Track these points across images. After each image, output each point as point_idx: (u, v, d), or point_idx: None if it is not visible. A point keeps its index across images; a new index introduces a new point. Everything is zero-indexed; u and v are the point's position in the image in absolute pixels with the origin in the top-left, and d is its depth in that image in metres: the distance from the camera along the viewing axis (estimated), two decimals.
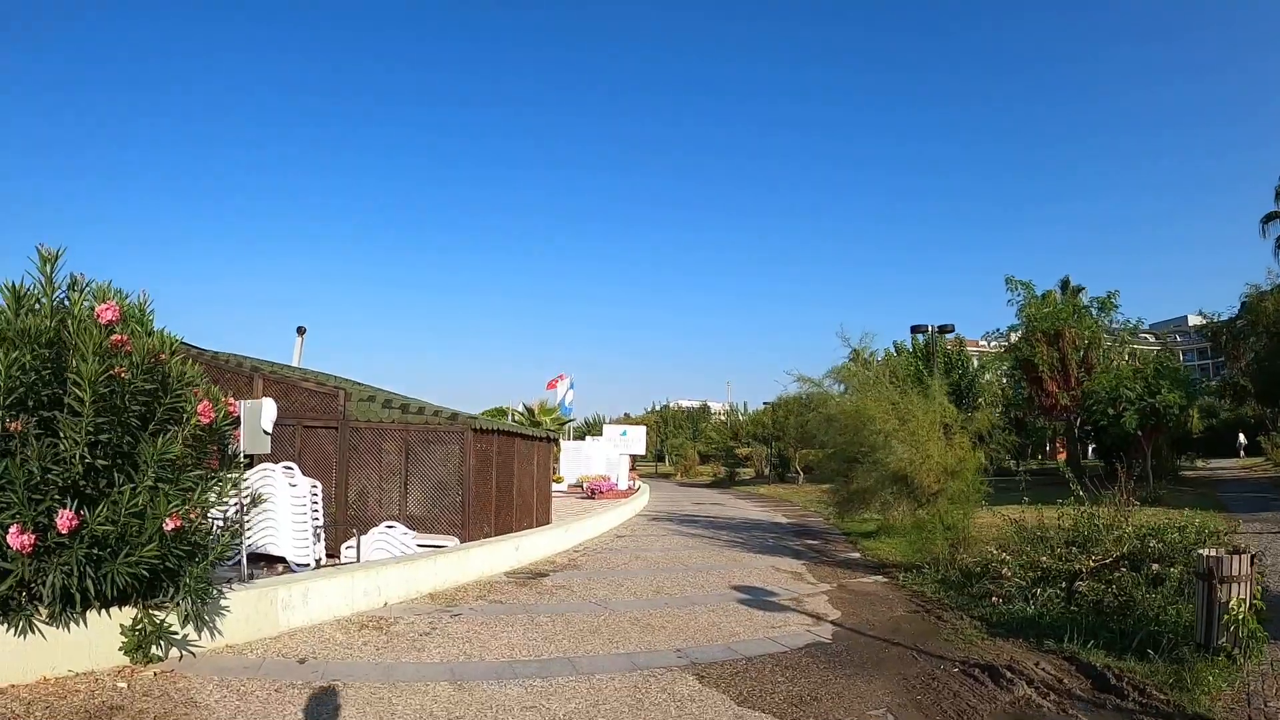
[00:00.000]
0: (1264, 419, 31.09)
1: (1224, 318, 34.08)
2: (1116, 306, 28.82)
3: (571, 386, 43.12)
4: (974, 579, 8.96)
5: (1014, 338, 32.84)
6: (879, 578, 10.87)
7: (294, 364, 17.42)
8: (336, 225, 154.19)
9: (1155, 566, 7.19)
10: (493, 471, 12.44)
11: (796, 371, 15.95)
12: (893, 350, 32.78)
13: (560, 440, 39.49)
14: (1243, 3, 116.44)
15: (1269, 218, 31.57)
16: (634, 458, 45.32)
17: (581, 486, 29.18)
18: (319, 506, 10.19)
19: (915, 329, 18.59)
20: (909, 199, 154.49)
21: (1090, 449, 29.16)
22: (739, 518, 21.83)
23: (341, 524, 10.92)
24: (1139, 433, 21.13)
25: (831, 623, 7.96)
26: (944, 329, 18.45)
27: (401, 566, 8.57)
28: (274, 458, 10.21)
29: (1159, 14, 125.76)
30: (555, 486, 31.83)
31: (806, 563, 12.38)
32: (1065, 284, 34.08)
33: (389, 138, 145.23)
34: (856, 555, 13.37)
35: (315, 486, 10.17)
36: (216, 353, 12.59)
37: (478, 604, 8.34)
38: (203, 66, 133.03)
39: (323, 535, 10.16)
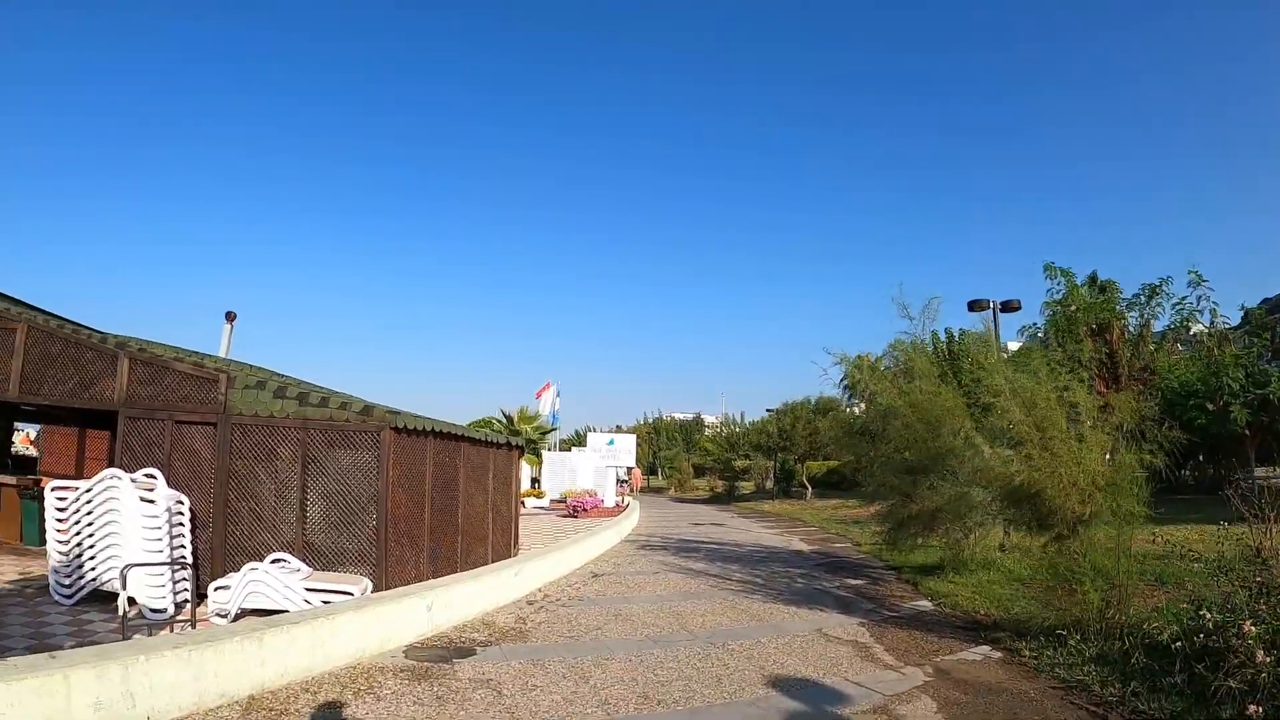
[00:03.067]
0: None
1: None
2: (1203, 285, 24.37)
3: (559, 394, 39.65)
4: (1173, 659, 5.14)
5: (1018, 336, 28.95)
6: (987, 649, 7.03)
7: (220, 355, 13.62)
8: (308, 227, 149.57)
9: None
10: (426, 487, 9.34)
11: (839, 351, 12.20)
12: (926, 342, 28.62)
13: (544, 451, 35.78)
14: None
15: None
16: (631, 470, 41.46)
17: (564, 502, 25.48)
18: (184, 530, 8.11)
19: (973, 305, 14.82)
20: (919, 197, 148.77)
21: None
22: (749, 544, 17.91)
23: (219, 554, 8.34)
24: (1246, 432, 17.48)
25: None
26: (1008, 305, 14.77)
27: (177, 654, 4.85)
28: (139, 463, 8.23)
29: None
30: (535, 503, 28.03)
31: (864, 621, 8.51)
32: (1094, 279, 30.32)
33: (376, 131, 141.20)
34: (928, 605, 9.49)
35: (180, 503, 8.07)
36: (78, 325, 9.67)
37: None
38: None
39: (190, 570, 7.92)
